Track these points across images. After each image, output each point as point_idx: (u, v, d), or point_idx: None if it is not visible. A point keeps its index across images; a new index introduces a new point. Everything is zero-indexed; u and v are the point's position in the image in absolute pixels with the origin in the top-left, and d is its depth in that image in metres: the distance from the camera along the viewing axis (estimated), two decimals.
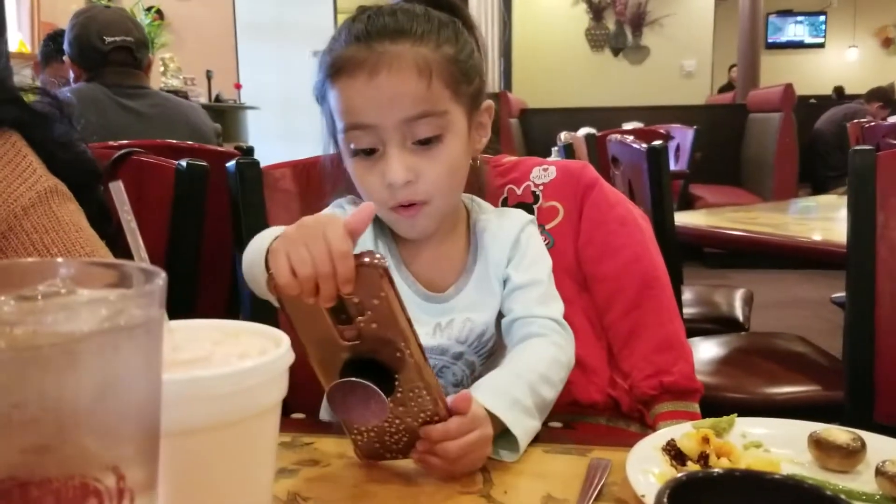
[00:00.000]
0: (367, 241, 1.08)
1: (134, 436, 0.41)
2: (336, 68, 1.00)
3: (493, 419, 0.84)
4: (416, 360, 0.75)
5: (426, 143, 0.99)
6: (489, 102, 1.09)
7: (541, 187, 1.25)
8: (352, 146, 1.01)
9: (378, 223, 1.10)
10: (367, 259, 0.70)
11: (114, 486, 0.40)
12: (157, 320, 0.42)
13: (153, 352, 0.42)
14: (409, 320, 0.74)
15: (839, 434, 0.81)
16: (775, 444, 0.84)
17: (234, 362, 0.55)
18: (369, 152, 1.00)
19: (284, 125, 7.73)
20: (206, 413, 0.52)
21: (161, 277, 0.42)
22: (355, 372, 0.75)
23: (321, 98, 1.05)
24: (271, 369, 0.55)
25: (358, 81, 0.97)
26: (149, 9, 7.08)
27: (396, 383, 0.76)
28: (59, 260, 0.46)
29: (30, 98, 1.12)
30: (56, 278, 0.45)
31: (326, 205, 1.14)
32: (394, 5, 1.04)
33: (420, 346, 0.75)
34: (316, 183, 1.31)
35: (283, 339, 0.58)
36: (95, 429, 0.39)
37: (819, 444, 0.81)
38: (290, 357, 0.57)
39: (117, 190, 0.56)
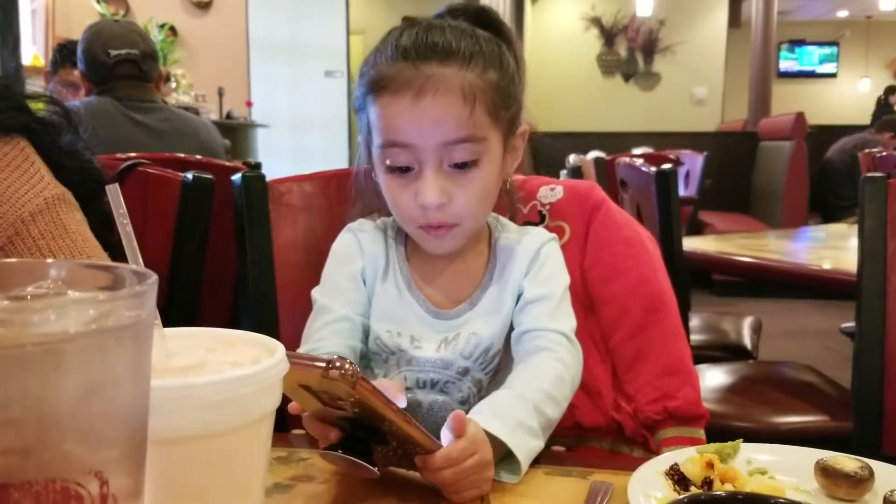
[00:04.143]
0: (378, 259, 1.08)
1: (119, 441, 0.40)
2: (380, 85, 0.99)
3: (496, 442, 0.82)
4: (406, 432, 0.75)
5: (462, 166, 0.99)
6: (524, 127, 1.09)
7: (547, 207, 1.24)
8: (387, 162, 1.00)
9: (391, 239, 1.10)
10: (334, 372, 0.66)
11: (97, 492, 0.39)
12: (146, 323, 0.41)
13: (141, 355, 0.41)
14: (390, 405, 0.72)
15: (847, 462, 0.79)
16: (781, 471, 0.82)
17: (226, 370, 0.54)
18: (404, 170, 1.00)
19: (294, 144, 7.78)
20: (196, 421, 0.51)
21: (152, 279, 0.41)
22: (349, 423, 0.76)
23: (359, 109, 1.05)
24: (265, 378, 0.53)
25: (402, 101, 0.97)
26: (162, 25, 7.15)
27: (388, 437, 0.77)
28: (50, 261, 0.45)
29: (39, 107, 1.12)
30: (47, 279, 0.44)
31: (350, 218, 1.14)
32: (442, 22, 1.02)
33: (407, 419, 0.74)
34: (321, 197, 1.30)
35: (278, 348, 0.57)
36: (79, 432, 0.38)
37: (826, 472, 0.79)
38: (284, 367, 0.56)
39: (114, 193, 0.55)
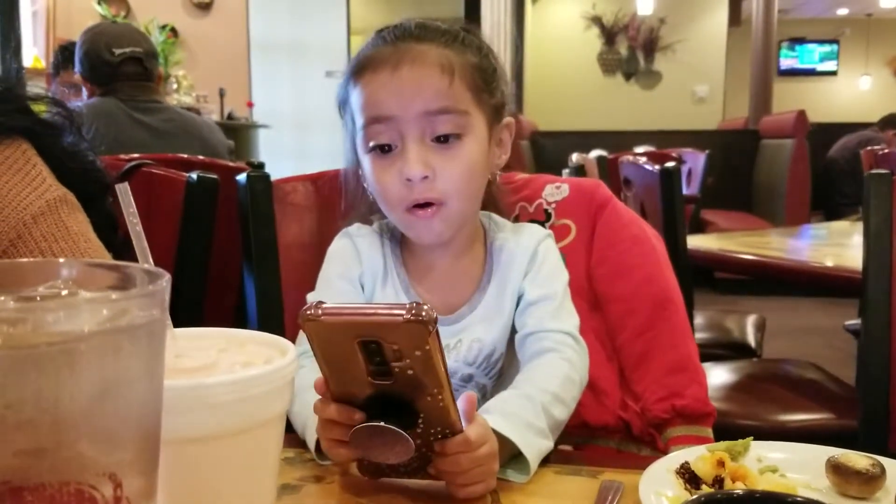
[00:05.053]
0: (376, 264, 1.07)
1: (133, 442, 0.40)
2: (360, 67, 1.01)
3: (505, 442, 0.82)
4: (446, 405, 0.74)
5: (445, 141, 0.99)
6: (510, 119, 1.09)
7: (553, 205, 1.23)
8: (370, 143, 1.00)
9: (388, 244, 1.09)
10: (414, 314, 0.66)
11: (111, 495, 0.38)
12: (159, 322, 0.40)
13: (155, 355, 0.41)
14: (446, 370, 0.72)
15: (858, 459, 0.78)
16: (792, 469, 0.82)
17: (238, 371, 0.53)
18: (387, 149, 1.00)
19: (296, 144, 7.77)
20: (208, 421, 0.50)
21: (165, 279, 0.41)
22: (378, 405, 0.74)
23: (343, 104, 1.06)
24: (276, 378, 0.53)
25: (381, 75, 0.98)
26: (163, 26, 7.15)
27: (420, 420, 0.75)
28: (61, 261, 0.45)
29: (41, 108, 1.12)
30: (58, 279, 0.44)
31: (341, 226, 1.13)
32: (423, 20, 1.05)
33: (452, 392, 0.74)
34: (326, 197, 1.30)
35: (289, 348, 0.57)
36: (92, 433, 0.37)
37: (837, 470, 0.78)
38: (295, 367, 0.56)
39: (124, 192, 0.55)
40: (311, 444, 0.85)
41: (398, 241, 1.10)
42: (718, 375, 2.21)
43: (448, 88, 0.98)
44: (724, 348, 2.63)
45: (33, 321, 0.36)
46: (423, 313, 0.66)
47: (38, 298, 0.42)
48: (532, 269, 1.06)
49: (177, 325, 0.60)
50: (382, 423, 0.73)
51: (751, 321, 2.83)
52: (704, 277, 5.78)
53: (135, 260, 0.58)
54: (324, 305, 0.68)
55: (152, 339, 0.40)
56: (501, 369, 1.06)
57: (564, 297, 1.05)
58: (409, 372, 0.71)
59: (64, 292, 0.43)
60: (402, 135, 0.98)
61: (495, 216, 1.13)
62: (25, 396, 0.35)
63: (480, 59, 1.03)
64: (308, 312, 0.67)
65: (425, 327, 0.66)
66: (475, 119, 1.01)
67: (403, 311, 0.66)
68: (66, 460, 0.37)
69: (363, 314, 0.69)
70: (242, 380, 0.51)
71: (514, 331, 1.05)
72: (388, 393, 0.73)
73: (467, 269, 1.08)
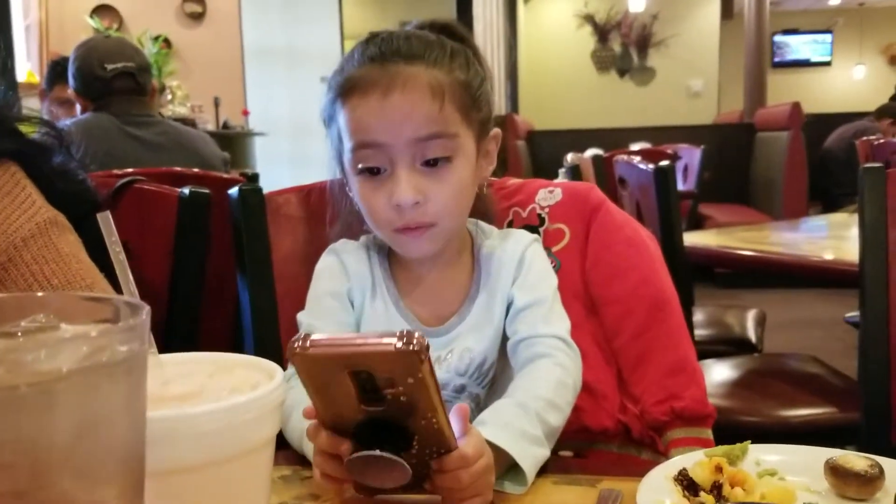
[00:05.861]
0: (364, 278, 1.07)
1: (116, 477, 0.39)
2: (348, 87, 0.99)
3: (501, 453, 0.81)
4: (440, 426, 0.73)
5: (434, 164, 0.98)
6: (496, 130, 1.09)
7: (546, 209, 1.23)
8: (359, 165, 0.99)
9: (375, 256, 1.09)
10: (405, 343, 0.65)
11: None
12: (140, 356, 0.40)
13: (136, 388, 0.40)
14: (439, 393, 0.71)
15: (856, 461, 0.78)
16: (791, 472, 0.81)
17: (225, 397, 0.53)
18: (376, 172, 0.99)
19: (293, 151, 7.77)
20: (195, 451, 0.50)
21: (145, 311, 0.41)
22: (370, 430, 0.73)
23: (329, 119, 1.05)
24: (264, 404, 0.53)
25: (371, 100, 0.97)
26: (156, 37, 7.14)
27: (414, 441, 0.74)
28: (42, 294, 0.44)
29: (30, 129, 1.11)
30: (40, 313, 0.44)
31: (331, 237, 1.13)
32: (407, 31, 1.04)
33: (446, 413, 0.73)
34: (319, 208, 1.29)
35: (277, 372, 0.56)
36: (74, 471, 0.37)
37: (836, 472, 0.78)
38: (283, 391, 0.55)
39: (105, 220, 0.55)
40: (311, 457, 0.85)
41: (385, 255, 1.10)
42: (720, 372, 2.21)
43: (438, 113, 0.97)
44: (724, 344, 2.63)
45: (11, 361, 0.36)
46: (415, 342, 0.64)
47: (19, 334, 0.41)
48: (520, 276, 1.05)
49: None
50: (378, 452, 0.71)
51: (751, 316, 2.83)
52: (703, 272, 5.77)
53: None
54: (312, 338, 0.66)
55: (132, 374, 0.40)
56: (494, 378, 1.06)
57: (554, 300, 1.05)
58: (402, 398, 0.69)
59: (46, 327, 0.43)
60: (392, 160, 0.97)
61: (482, 223, 1.13)
62: (5, 438, 0.35)
63: (468, 72, 1.02)
64: (296, 346, 0.65)
65: (417, 356, 0.65)
66: (464, 139, 1.00)
67: (394, 339, 0.64)
68: (47, 500, 0.36)
69: (353, 345, 0.66)
70: (229, 407, 0.51)
71: (505, 338, 1.05)
72: (380, 418, 0.72)
73: (456, 279, 1.08)
